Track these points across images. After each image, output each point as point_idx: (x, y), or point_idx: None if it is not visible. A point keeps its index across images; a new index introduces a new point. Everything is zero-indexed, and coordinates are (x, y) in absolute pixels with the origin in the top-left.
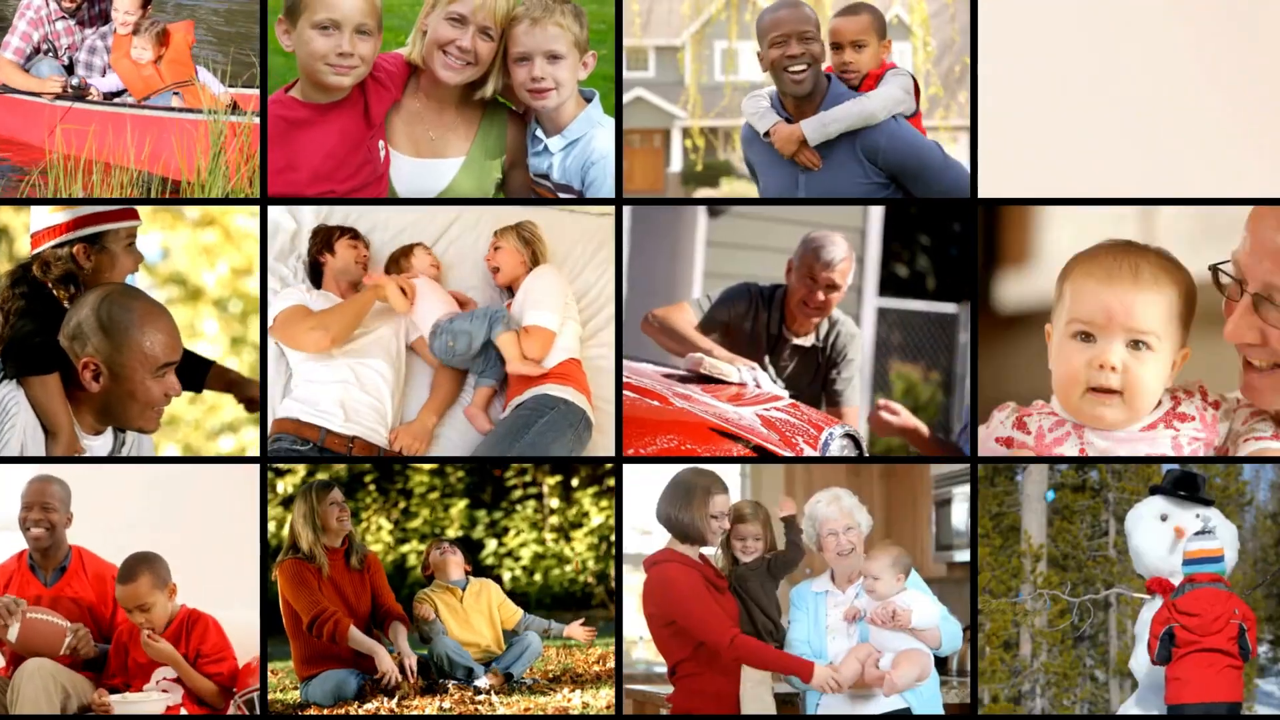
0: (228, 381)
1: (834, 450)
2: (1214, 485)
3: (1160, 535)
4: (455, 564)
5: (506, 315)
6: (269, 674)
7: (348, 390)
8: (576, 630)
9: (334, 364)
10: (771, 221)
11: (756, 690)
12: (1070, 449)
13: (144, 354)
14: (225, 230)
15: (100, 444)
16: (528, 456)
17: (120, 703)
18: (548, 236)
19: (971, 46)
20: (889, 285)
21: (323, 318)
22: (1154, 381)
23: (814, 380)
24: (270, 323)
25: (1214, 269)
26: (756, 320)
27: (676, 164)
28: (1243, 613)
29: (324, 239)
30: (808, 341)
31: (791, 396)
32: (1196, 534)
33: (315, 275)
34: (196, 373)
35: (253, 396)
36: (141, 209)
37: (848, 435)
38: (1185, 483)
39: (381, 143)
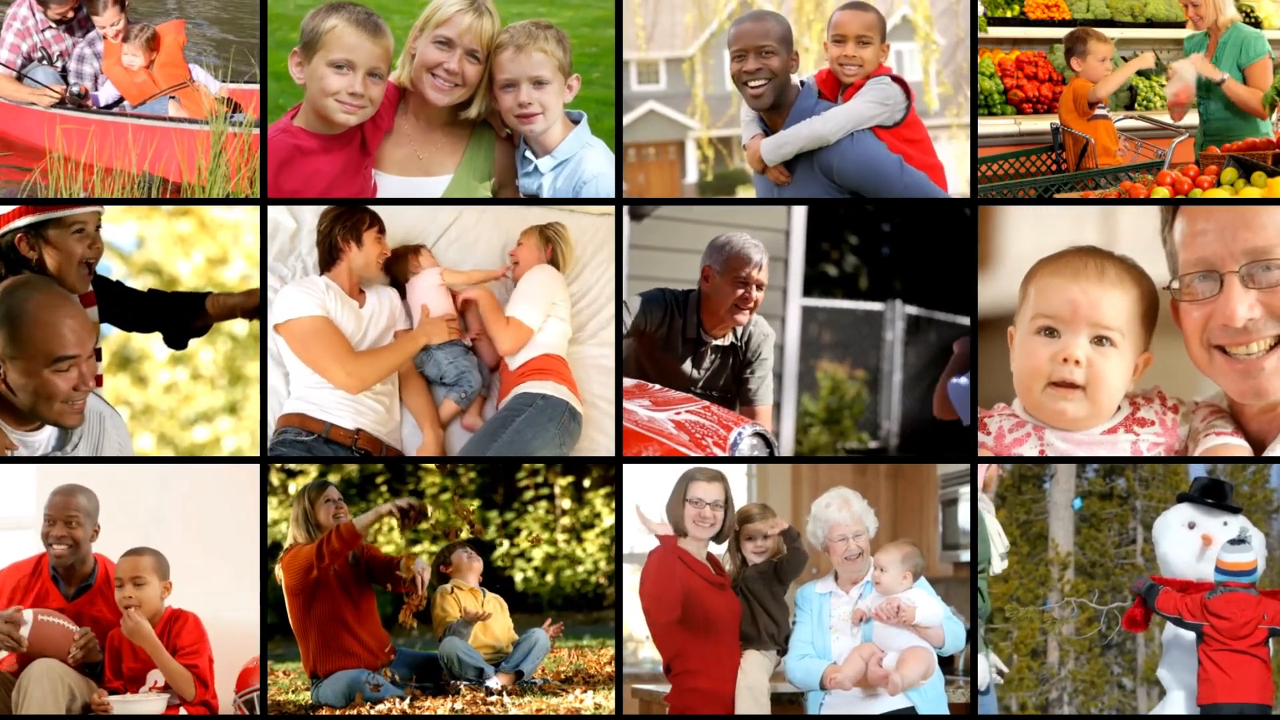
0: (229, 307)
1: (744, 450)
2: (1241, 493)
3: (1188, 543)
4: (476, 570)
5: (471, 388)
6: (282, 676)
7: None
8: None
9: None
10: (695, 224)
11: (752, 690)
12: (1030, 450)
13: (37, 346)
14: (200, 220)
15: (41, 439)
16: (535, 457)
17: (120, 703)
18: (573, 240)
19: (972, 47)
20: (818, 284)
21: (359, 367)
22: (1116, 379)
23: (730, 379)
24: (281, 321)
25: (1169, 288)
26: (672, 326)
27: (692, 175)
28: (1271, 616)
29: (353, 227)
30: (726, 340)
31: (712, 397)
32: (1231, 543)
33: (326, 258)
34: (194, 312)
35: (254, 305)
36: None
37: (757, 434)
38: (1213, 490)
39: (374, 171)
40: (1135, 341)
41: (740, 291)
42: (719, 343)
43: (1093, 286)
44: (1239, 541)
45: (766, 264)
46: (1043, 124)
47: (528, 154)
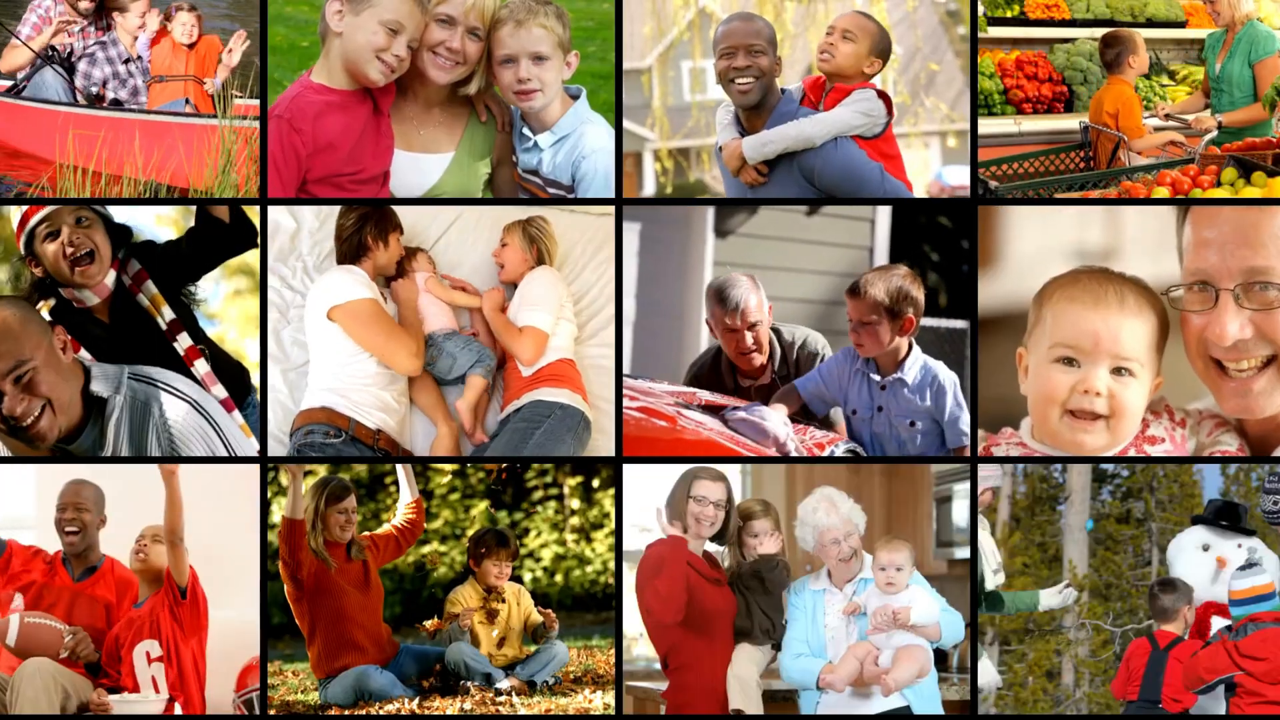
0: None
1: None
2: (1255, 515)
3: (1202, 565)
4: (501, 575)
5: (492, 361)
6: (291, 676)
7: (377, 385)
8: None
9: (363, 359)
10: (780, 241)
11: (740, 679)
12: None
13: None
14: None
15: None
16: (541, 457)
17: (119, 702)
18: (557, 234)
19: (971, 51)
20: None
21: (420, 347)
22: (1137, 407)
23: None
24: (341, 302)
25: (1167, 294)
26: (712, 384)
27: (649, 188)
28: None
29: (383, 228)
30: (766, 379)
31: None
32: (1241, 569)
33: (351, 254)
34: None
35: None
36: None
37: (849, 451)
38: (1227, 513)
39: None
40: (1152, 368)
41: (734, 340)
42: (761, 383)
43: (1113, 316)
44: (1249, 566)
45: (754, 303)
46: (1043, 125)
47: (525, 130)
